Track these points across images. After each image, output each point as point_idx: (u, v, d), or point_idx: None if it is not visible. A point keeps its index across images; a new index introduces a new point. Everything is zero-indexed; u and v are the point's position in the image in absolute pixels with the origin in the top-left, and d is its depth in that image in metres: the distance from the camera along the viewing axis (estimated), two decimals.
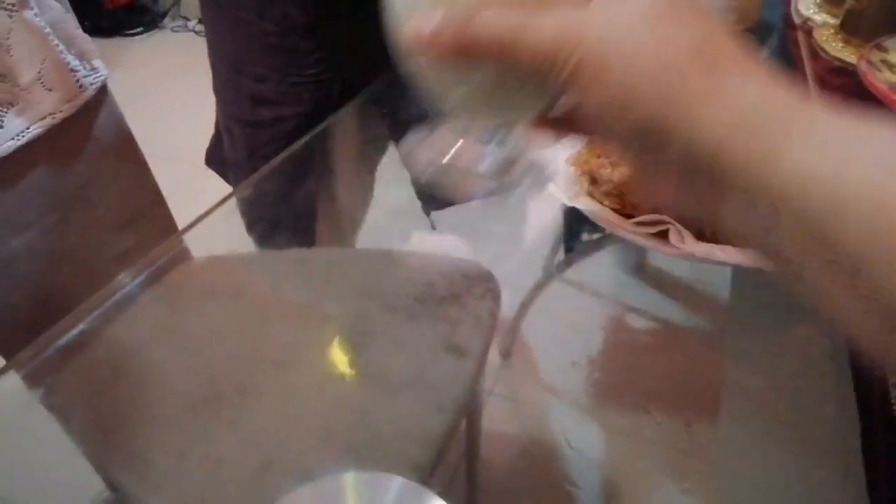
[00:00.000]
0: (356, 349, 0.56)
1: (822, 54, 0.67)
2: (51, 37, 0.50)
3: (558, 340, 1.27)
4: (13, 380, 0.44)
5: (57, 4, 0.52)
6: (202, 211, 1.06)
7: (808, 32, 0.70)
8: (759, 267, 0.41)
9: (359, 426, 0.50)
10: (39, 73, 0.49)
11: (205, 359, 0.54)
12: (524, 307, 1.19)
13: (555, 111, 0.32)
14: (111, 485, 0.50)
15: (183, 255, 0.63)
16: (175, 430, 0.49)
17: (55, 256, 0.54)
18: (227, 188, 0.98)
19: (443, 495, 0.39)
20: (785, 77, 0.23)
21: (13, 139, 0.48)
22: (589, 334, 1.30)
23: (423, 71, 0.31)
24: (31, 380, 0.46)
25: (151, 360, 0.53)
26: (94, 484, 0.50)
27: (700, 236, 0.54)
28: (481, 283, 0.63)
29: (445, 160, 0.58)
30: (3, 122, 0.47)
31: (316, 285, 0.62)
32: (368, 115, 0.90)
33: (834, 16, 0.71)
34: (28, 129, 0.48)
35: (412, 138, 0.65)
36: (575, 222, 1.15)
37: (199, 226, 0.66)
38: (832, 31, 0.69)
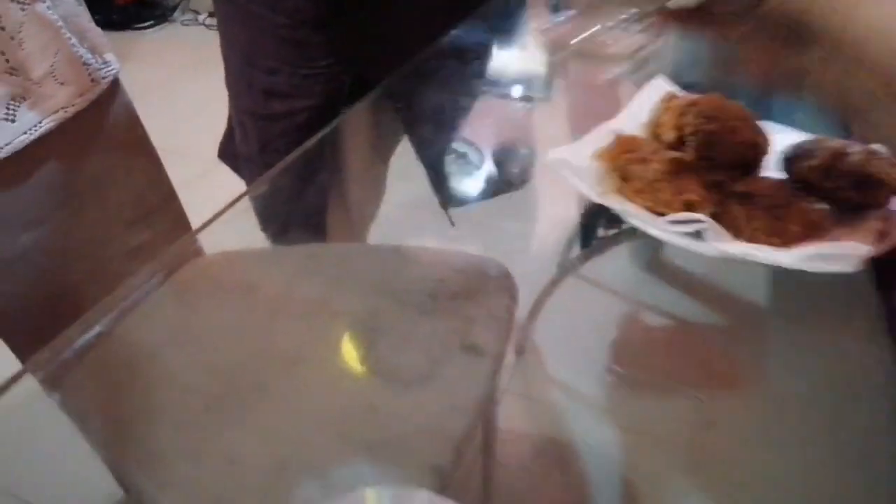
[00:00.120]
0: (370, 346, 0.55)
1: None
2: (63, 30, 0.49)
3: (573, 337, 1.26)
4: (30, 382, 0.44)
5: None
6: (214, 205, 1.06)
7: None
8: (799, 268, 0.40)
9: (375, 426, 0.49)
10: (52, 66, 0.48)
11: (218, 357, 0.53)
12: (539, 304, 1.17)
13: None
14: (125, 485, 0.50)
15: (195, 252, 0.62)
16: (189, 429, 0.48)
17: (67, 252, 0.53)
18: (238, 182, 0.97)
19: (459, 496, 0.38)
20: None
21: (25, 133, 0.47)
22: (604, 331, 1.28)
23: None
24: (46, 381, 0.45)
25: (164, 358, 0.53)
26: (109, 484, 0.49)
27: (736, 235, 0.52)
28: (497, 280, 0.62)
29: (575, 41, 0.56)
30: (15, 116, 0.46)
31: (329, 281, 0.61)
32: (381, 109, 0.89)
33: None
34: (40, 123, 0.48)
35: (547, 21, 0.63)
36: (591, 218, 1.13)
37: (214, 223, 0.66)
38: None
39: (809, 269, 0.48)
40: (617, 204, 0.55)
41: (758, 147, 0.57)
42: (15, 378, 0.42)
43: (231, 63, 0.86)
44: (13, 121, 0.46)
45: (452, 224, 0.92)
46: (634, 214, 0.54)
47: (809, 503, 0.99)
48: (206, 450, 0.47)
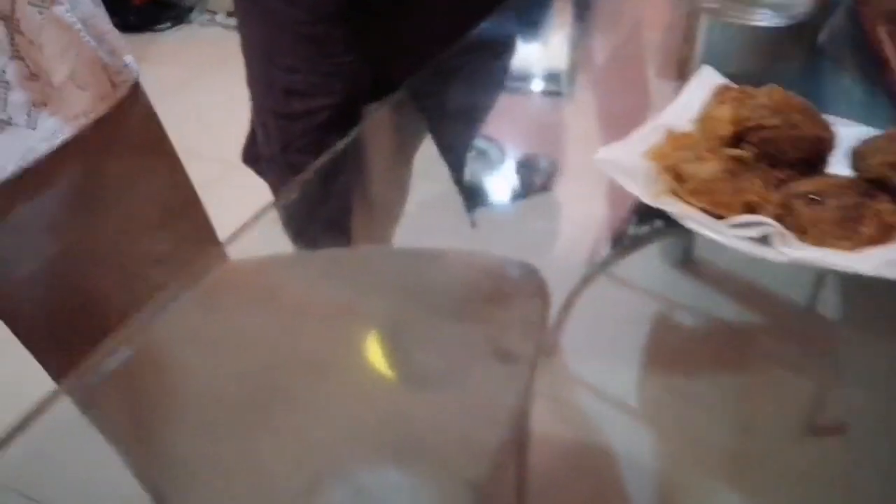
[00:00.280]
0: (400, 354, 0.53)
1: None
2: (82, 33, 0.48)
3: (604, 338, 1.23)
4: (66, 405, 0.43)
5: (87, 0, 0.50)
6: (235, 207, 1.05)
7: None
8: (880, 275, 0.37)
9: (408, 437, 0.47)
10: (72, 71, 0.47)
11: (245, 364, 0.52)
12: (568, 304, 1.15)
13: None
14: (152, 494, 0.49)
15: (219, 258, 0.61)
16: (215, 438, 0.47)
17: (91, 258, 0.52)
18: (260, 183, 0.96)
19: None
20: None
21: (47, 140, 0.46)
22: (636, 331, 1.26)
23: None
24: (76, 395, 0.45)
25: (191, 366, 0.51)
26: (136, 492, 0.48)
27: (802, 238, 0.49)
28: (528, 283, 0.60)
29: None
30: (36, 122, 0.45)
31: (355, 286, 0.59)
32: (404, 108, 0.88)
33: None
34: (61, 129, 0.47)
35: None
36: (627, 215, 1.11)
37: (234, 226, 0.65)
38: None
39: (892, 277, 0.45)
40: (671, 206, 0.52)
41: (823, 143, 0.54)
42: (50, 399, 0.41)
43: (251, 62, 0.85)
44: (34, 128, 0.45)
45: (473, 225, 0.91)
46: (691, 217, 0.51)
47: None
48: (234, 460, 0.46)
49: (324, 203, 0.72)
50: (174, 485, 0.45)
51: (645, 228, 1.15)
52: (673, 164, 0.53)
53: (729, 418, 1.10)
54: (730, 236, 0.49)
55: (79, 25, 0.48)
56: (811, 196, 0.51)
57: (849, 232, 0.48)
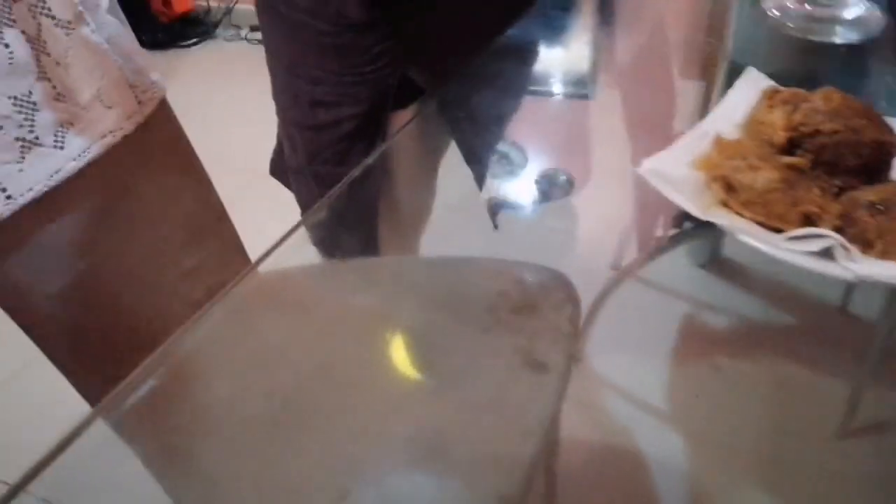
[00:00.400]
0: (432, 367, 0.53)
1: None
2: (109, 53, 0.48)
3: (631, 341, 1.22)
4: (100, 426, 0.43)
5: (113, 19, 0.50)
6: (263, 221, 1.05)
7: None
8: None
9: (439, 451, 0.46)
10: (98, 90, 0.47)
11: (275, 379, 0.52)
12: (595, 308, 1.14)
13: None
14: None
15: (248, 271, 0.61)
16: (247, 456, 0.47)
17: (120, 277, 0.52)
18: (286, 196, 0.97)
19: None
20: None
21: (74, 160, 0.46)
22: (663, 333, 1.24)
23: None
24: (111, 417, 0.45)
25: (221, 381, 0.51)
26: None
27: (865, 251, 0.46)
28: (559, 291, 0.60)
29: None
30: (63, 142, 0.45)
31: (385, 298, 0.59)
32: (428, 114, 0.88)
33: None
34: (89, 148, 0.47)
35: None
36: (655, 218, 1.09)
37: (262, 238, 0.64)
38: None
39: None
40: (724, 219, 0.49)
41: (886, 147, 0.51)
42: (86, 422, 0.41)
43: (276, 75, 0.85)
44: (62, 147, 0.45)
45: (496, 227, 0.90)
46: (745, 231, 0.48)
47: None
48: (266, 477, 0.46)
49: (351, 211, 0.72)
50: (202, 499, 0.45)
51: (673, 231, 1.13)
52: (723, 173, 0.51)
53: (760, 421, 1.07)
54: (788, 251, 0.47)
55: (105, 45, 0.48)
56: (876, 205, 0.48)
57: None
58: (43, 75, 0.44)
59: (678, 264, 1.39)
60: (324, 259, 0.69)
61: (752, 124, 0.55)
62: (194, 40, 2.66)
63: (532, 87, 0.99)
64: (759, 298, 1.30)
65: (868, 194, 0.49)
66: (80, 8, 0.46)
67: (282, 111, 0.87)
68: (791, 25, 0.67)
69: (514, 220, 0.94)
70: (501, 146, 1.11)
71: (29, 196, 0.44)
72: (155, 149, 0.53)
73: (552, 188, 0.95)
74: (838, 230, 0.47)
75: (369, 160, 0.62)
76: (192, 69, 2.50)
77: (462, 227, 0.87)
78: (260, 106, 0.99)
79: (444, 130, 0.90)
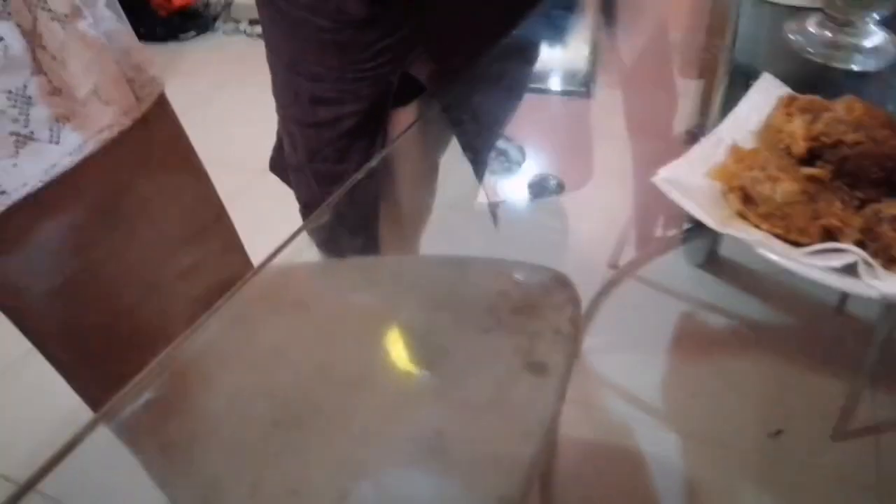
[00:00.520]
0: (432, 368, 0.52)
1: None
2: (106, 47, 0.48)
3: (628, 340, 1.22)
4: (103, 432, 0.42)
5: (111, 13, 0.49)
6: (262, 217, 1.04)
7: None
8: None
9: (439, 452, 0.46)
10: (95, 85, 0.47)
11: (274, 379, 0.51)
12: (593, 307, 1.14)
13: None
14: None
15: (247, 268, 0.60)
16: (247, 457, 0.46)
17: (118, 275, 0.52)
18: (286, 192, 0.96)
19: None
20: None
21: (70, 155, 0.45)
22: (661, 333, 1.24)
23: None
24: (112, 421, 0.44)
25: (220, 381, 0.51)
26: None
27: (888, 267, 0.44)
28: (559, 291, 0.59)
29: None
30: (59, 138, 0.45)
31: (385, 297, 0.59)
32: (430, 111, 0.87)
33: None
34: (85, 143, 0.46)
35: None
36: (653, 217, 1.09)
37: (262, 234, 0.64)
38: None
39: None
40: (742, 233, 0.47)
41: None
42: (88, 428, 0.41)
43: (276, 73, 0.85)
44: (57, 142, 0.45)
45: (496, 223, 0.90)
46: (764, 245, 0.46)
47: None
48: (265, 479, 0.45)
49: (353, 210, 0.72)
50: (201, 501, 0.45)
51: (672, 231, 1.13)
52: (741, 184, 0.49)
53: (756, 421, 1.08)
54: (810, 266, 0.45)
55: (102, 40, 0.47)
56: None
57: None
58: (39, 70, 0.43)
59: (676, 264, 1.39)
60: (325, 257, 0.68)
61: (769, 132, 0.54)
62: (193, 34, 2.65)
63: (533, 85, 0.98)
64: (757, 298, 1.30)
65: (891, 208, 0.47)
66: (78, 1, 0.46)
67: (282, 108, 0.86)
68: (811, 51, 0.66)
69: (513, 219, 0.93)
70: (501, 143, 1.11)
71: (23, 192, 0.44)
72: (153, 145, 0.52)
73: (543, 191, 0.95)
74: (860, 244, 0.45)
75: (372, 163, 0.62)
76: (191, 63, 2.49)
77: (462, 226, 0.87)
78: (259, 101, 0.99)
79: (444, 128, 0.90)
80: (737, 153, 0.52)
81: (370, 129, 0.83)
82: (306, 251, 0.64)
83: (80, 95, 0.46)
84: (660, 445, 1.06)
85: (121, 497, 0.47)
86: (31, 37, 0.43)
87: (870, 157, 0.48)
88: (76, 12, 0.45)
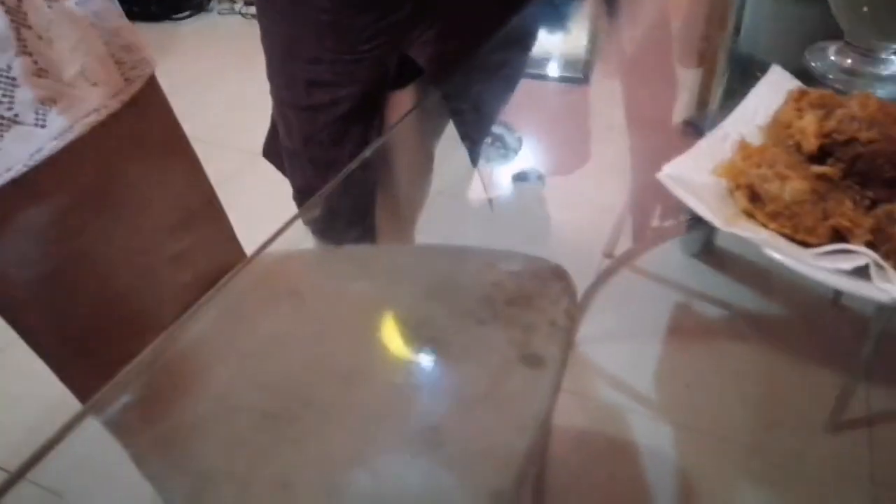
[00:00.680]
0: (426, 360, 0.52)
1: None
2: (94, 27, 0.46)
3: (624, 330, 1.21)
4: (92, 423, 0.42)
5: None
6: (257, 199, 1.03)
7: None
8: None
9: (433, 445, 0.45)
10: (83, 66, 0.45)
11: (267, 371, 0.50)
12: (588, 297, 1.13)
13: None
14: None
15: (239, 257, 0.59)
16: (238, 451, 0.46)
17: (107, 262, 0.50)
18: (278, 177, 0.95)
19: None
20: None
21: (56, 139, 0.44)
22: (655, 323, 1.23)
23: None
24: (101, 413, 0.43)
25: (211, 372, 0.50)
26: None
27: None
28: (555, 282, 0.58)
29: None
30: (45, 120, 0.43)
31: (380, 288, 0.58)
32: (427, 96, 0.86)
33: None
34: (72, 127, 0.45)
35: None
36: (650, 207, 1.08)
37: (256, 218, 0.63)
38: None
39: None
40: (748, 233, 0.46)
41: None
42: (77, 419, 0.40)
43: (272, 56, 0.83)
44: (43, 126, 0.43)
45: (491, 208, 0.89)
46: (772, 245, 0.45)
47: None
48: (257, 473, 0.45)
49: (349, 196, 0.70)
50: (196, 499, 0.44)
51: (670, 222, 1.13)
52: (748, 181, 0.48)
53: (750, 412, 1.07)
54: (819, 268, 0.44)
55: (90, 19, 0.46)
56: None
57: None
58: (23, 49, 0.42)
59: (672, 254, 1.39)
60: (319, 244, 0.67)
61: (778, 128, 0.52)
62: (187, 13, 2.62)
63: (531, 71, 0.97)
64: (752, 289, 1.30)
65: None
66: None
67: (276, 91, 0.85)
68: (831, 77, 0.65)
69: (508, 207, 0.93)
70: (498, 130, 1.10)
71: (7, 176, 0.43)
72: (143, 129, 0.51)
73: (525, 185, 0.95)
74: (870, 245, 0.44)
75: (366, 153, 0.61)
76: (185, 43, 2.46)
77: (457, 213, 0.86)
78: (255, 82, 0.97)
79: (442, 116, 0.89)
80: (744, 149, 0.51)
81: (366, 113, 0.82)
82: (302, 239, 0.63)
83: (66, 76, 0.45)
84: (654, 436, 1.06)
85: (110, 488, 0.46)
86: (16, 15, 0.42)
87: (883, 156, 0.46)
88: None
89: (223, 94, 2.09)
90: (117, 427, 0.44)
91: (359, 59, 0.78)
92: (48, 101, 0.43)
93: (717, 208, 0.48)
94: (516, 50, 0.87)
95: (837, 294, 1.19)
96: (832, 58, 0.68)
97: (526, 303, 0.55)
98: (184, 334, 0.48)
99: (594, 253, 1.24)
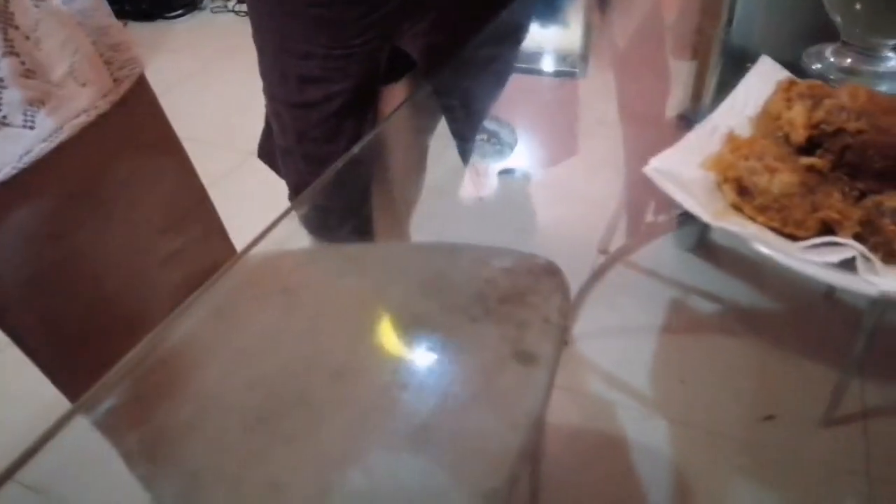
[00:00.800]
0: (419, 358, 0.52)
1: None
2: (82, 27, 0.46)
3: (618, 325, 1.22)
4: (81, 423, 0.41)
5: None
6: (250, 197, 1.02)
7: None
8: None
9: (425, 444, 0.45)
10: (71, 66, 0.45)
11: (258, 370, 0.50)
12: (583, 293, 1.13)
13: None
14: None
15: (230, 254, 0.59)
16: (228, 451, 0.46)
17: (98, 263, 0.50)
18: (271, 177, 0.95)
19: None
20: None
21: (46, 141, 0.44)
22: (650, 318, 1.24)
23: None
24: (91, 412, 0.43)
25: (202, 371, 0.50)
26: None
27: (888, 262, 0.43)
28: (548, 279, 0.58)
29: None
30: (34, 122, 0.43)
31: (372, 285, 0.58)
32: (418, 96, 0.86)
33: None
34: (61, 128, 0.45)
35: None
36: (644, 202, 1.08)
37: (249, 217, 0.62)
38: None
39: None
40: (736, 227, 0.46)
41: None
42: (66, 418, 0.40)
43: (264, 53, 0.83)
44: (32, 127, 0.43)
45: (481, 200, 0.89)
46: (760, 239, 0.45)
47: (871, 501, 0.94)
48: (247, 473, 0.45)
49: (343, 191, 0.70)
50: (187, 499, 0.44)
51: (664, 217, 1.13)
52: (736, 174, 0.47)
53: (745, 407, 1.08)
54: (806, 261, 0.43)
55: (78, 18, 0.46)
56: None
57: None
58: (10, 50, 0.42)
59: (666, 249, 1.39)
60: (313, 241, 0.67)
61: (766, 119, 0.52)
62: (180, 11, 2.61)
63: (523, 65, 0.97)
64: (746, 283, 1.30)
65: (893, 200, 0.45)
66: None
67: (269, 88, 0.85)
68: (831, 77, 0.65)
69: (502, 204, 0.92)
70: (492, 126, 1.10)
71: None
72: (132, 129, 0.51)
73: (511, 181, 0.95)
74: (858, 238, 0.44)
75: (355, 150, 0.61)
76: (178, 42, 2.45)
77: (449, 210, 0.86)
78: (247, 80, 0.97)
79: (434, 111, 0.89)
80: (732, 141, 0.50)
81: (359, 109, 0.81)
82: (296, 236, 0.63)
83: (55, 77, 0.44)
84: (648, 432, 1.06)
85: (100, 488, 0.46)
86: (3, 15, 0.41)
87: (872, 147, 0.46)
88: None
89: (216, 92, 2.09)
90: (107, 427, 0.44)
91: (350, 54, 0.78)
92: (36, 102, 0.43)
93: (706, 202, 0.47)
94: (507, 44, 0.87)
95: (831, 288, 1.19)
96: (831, 58, 0.68)
97: (519, 299, 0.55)
98: (173, 332, 0.48)
99: (589, 249, 1.24)
